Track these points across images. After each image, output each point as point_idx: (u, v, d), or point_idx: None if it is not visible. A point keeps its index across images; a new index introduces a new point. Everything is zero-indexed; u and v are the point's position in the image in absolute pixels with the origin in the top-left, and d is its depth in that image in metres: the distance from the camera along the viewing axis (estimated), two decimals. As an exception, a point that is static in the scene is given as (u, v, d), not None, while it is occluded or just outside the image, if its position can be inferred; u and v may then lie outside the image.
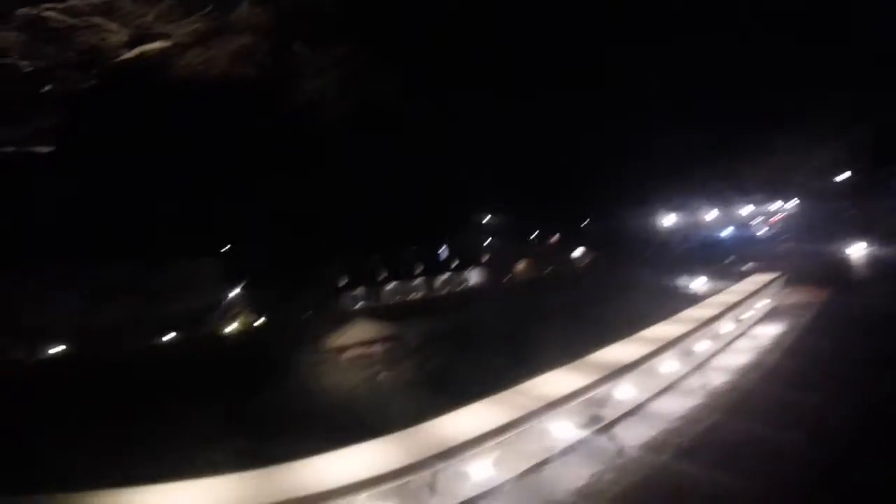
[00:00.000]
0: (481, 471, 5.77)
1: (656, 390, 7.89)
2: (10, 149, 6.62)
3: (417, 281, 57.41)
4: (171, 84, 8.53)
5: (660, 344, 8.27)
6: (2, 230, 35.57)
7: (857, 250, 27.55)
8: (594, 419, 7.08)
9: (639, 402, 7.57)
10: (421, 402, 16.81)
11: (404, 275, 56.56)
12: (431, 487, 5.50)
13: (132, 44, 7.27)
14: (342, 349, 23.96)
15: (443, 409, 7.02)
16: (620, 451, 6.59)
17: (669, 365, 8.48)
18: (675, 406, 7.72)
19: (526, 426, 6.06)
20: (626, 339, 9.12)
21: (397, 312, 38.74)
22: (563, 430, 6.58)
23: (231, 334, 40.19)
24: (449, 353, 24.08)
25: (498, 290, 47.98)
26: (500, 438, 5.86)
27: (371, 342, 24.58)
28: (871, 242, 27.51)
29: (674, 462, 6.23)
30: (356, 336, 25.02)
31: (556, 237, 63.10)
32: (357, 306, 50.39)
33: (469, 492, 5.63)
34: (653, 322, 9.91)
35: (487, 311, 34.35)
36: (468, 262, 59.74)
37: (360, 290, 54.71)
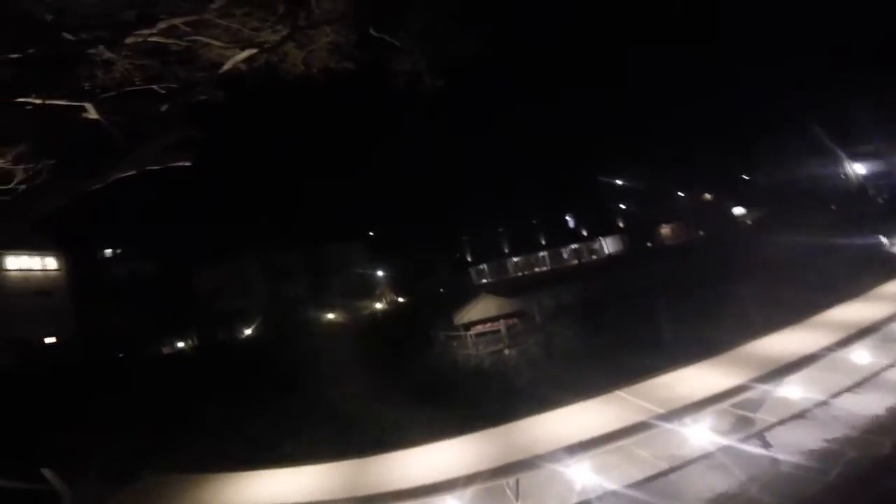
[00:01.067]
0: (580, 477, 4.96)
1: (837, 389, 5.88)
2: (156, 166, 7.58)
3: (543, 253, 55.63)
4: (285, 85, 8.99)
5: (849, 330, 6.10)
6: (182, 234, 44.95)
7: None
8: (743, 424, 5.56)
9: (810, 403, 5.73)
10: (539, 384, 16.18)
11: (529, 248, 55.25)
12: (515, 492, 4.94)
13: (238, 54, 7.71)
14: (469, 325, 24.44)
15: (558, 397, 6.25)
16: (773, 462, 5.09)
17: (860, 356, 6.23)
18: (863, 409, 5.69)
19: (646, 432, 5.01)
20: (800, 325, 6.98)
21: (522, 286, 38.04)
22: (698, 436, 5.30)
23: (379, 311, 43.90)
24: (574, 332, 22.70)
25: (634, 259, 43.37)
26: (612, 445, 4.96)
27: (496, 318, 24.59)
28: None
29: (841, 481, 4.57)
30: (482, 312, 25.22)
31: (707, 195, 54.33)
32: (483, 281, 51.20)
33: (562, 499, 4.90)
34: (839, 300, 7.40)
35: (619, 283, 31.33)
36: (599, 229, 55.54)
37: (485, 266, 55.31)
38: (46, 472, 5.08)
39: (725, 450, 5.19)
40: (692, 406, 5.12)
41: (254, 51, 7.68)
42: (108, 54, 6.84)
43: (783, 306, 10.30)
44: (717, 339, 7.57)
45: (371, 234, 54.11)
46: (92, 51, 6.72)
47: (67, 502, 5.07)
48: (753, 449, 5.23)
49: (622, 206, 55.34)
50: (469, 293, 33.29)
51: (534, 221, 55.20)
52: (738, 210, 51.61)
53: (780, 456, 5.11)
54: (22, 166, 6.46)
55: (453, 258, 53.63)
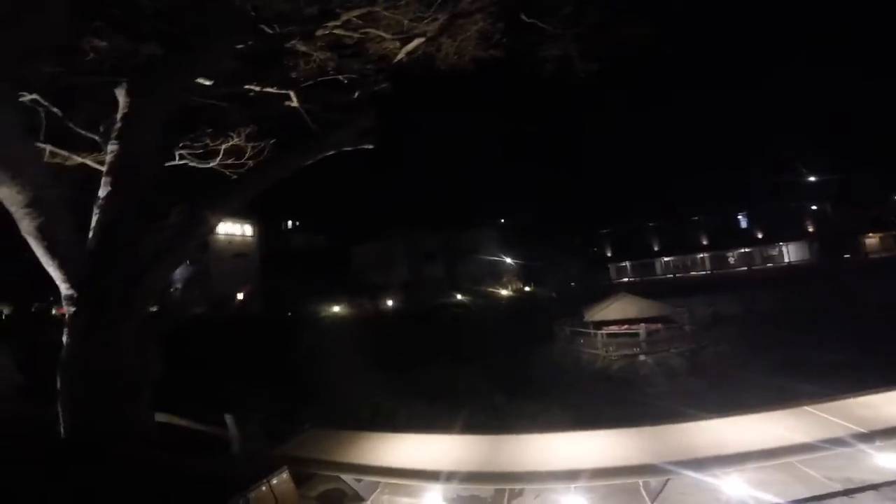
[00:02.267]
0: (733, 489, 4.51)
1: None
2: (348, 148, 8.84)
3: (703, 255, 49.07)
4: (441, 76, 9.69)
5: None
6: (352, 215, 50.71)
7: None
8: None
9: None
10: (671, 399, 14.52)
11: (685, 247, 49.28)
12: (653, 494, 4.66)
13: (401, 47, 8.54)
14: (601, 324, 23.06)
15: (689, 417, 5.77)
16: None
17: None
18: None
19: (824, 451, 4.34)
20: None
21: (671, 289, 34.20)
22: (887, 461, 4.43)
23: (504, 297, 44.22)
24: (729, 349, 19.74)
25: (828, 271, 35.42)
26: (777, 460, 4.41)
27: (635, 321, 22.70)
28: None
29: None
30: (618, 312, 23.52)
31: None
32: (623, 280, 47.97)
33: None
34: None
35: (798, 297, 26.09)
36: (781, 233, 46.72)
37: (627, 263, 51.21)
38: (228, 417, 5.78)
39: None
40: (889, 430, 4.25)
41: (420, 41, 8.35)
42: (302, 47, 8.19)
43: None
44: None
45: (503, 220, 54.58)
46: (289, 44, 8.13)
47: (237, 447, 5.69)
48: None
49: (814, 207, 45.51)
50: (605, 290, 31.35)
51: (695, 217, 48.95)
52: None
53: None
54: (251, 144, 8.21)
55: (590, 251, 50.94)
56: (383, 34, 8.13)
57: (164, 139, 7.63)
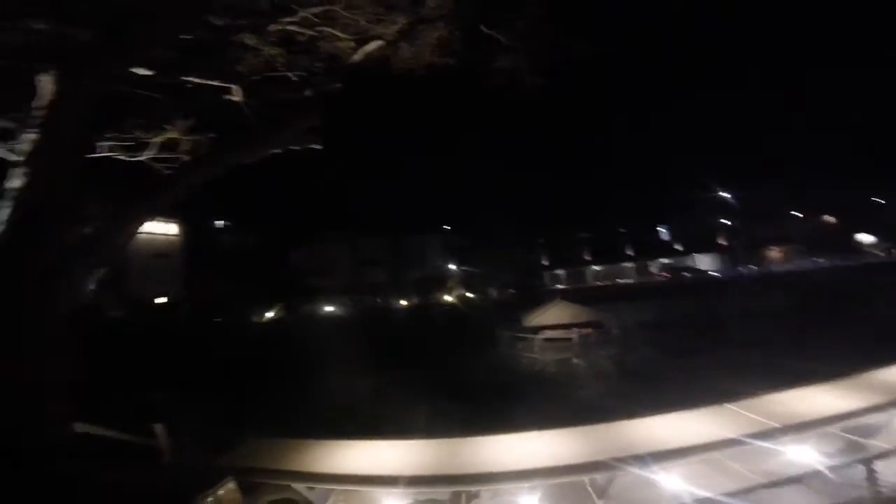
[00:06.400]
0: (670, 484, 4.87)
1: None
2: (294, 147, 8.50)
3: (628, 264, 52.75)
4: (394, 79, 9.61)
5: None
6: (292, 216, 48.84)
7: None
8: (852, 448, 5.17)
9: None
10: (602, 400, 15.54)
11: (613, 257, 52.69)
12: (601, 491, 4.93)
13: (357, 47, 8.37)
14: (539, 329, 24.02)
15: (637, 410, 6.15)
16: (876, 491, 4.68)
17: None
18: None
19: (745, 445, 4.82)
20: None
21: (600, 296, 36.47)
22: (801, 455, 5.02)
23: (448, 304, 44.66)
24: (655, 349, 21.41)
25: (733, 281, 39.56)
26: (707, 454, 4.84)
27: (569, 325, 23.91)
28: None
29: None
30: (554, 317, 24.63)
31: (831, 219, 48.14)
32: (558, 287, 49.95)
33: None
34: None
35: (712, 304, 28.95)
36: (696, 245, 51.42)
37: (561, 271, 53.77)
38: (157, 427, 5.41)
39: (827, 472, 4.86)
40: (798, 425, 4.84)
41: (380, 43, 8.24)
42: (251, 41, 7.81)
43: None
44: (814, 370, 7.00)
45: (447, 227, 55.19)
46: (237, 37, 7.71)
47: (170, 458, 5.36)
48: (858, 475, 4.85)
49: (726, 222, 50.51)
50: (542, 297, 32.68)
51: (622, 230, 52.59)
52: (866, 238, 45.39)
53: (886, 485, 4.68)
54: (186, 138, 7.64)
55: (529, 259, 52.88)
56: (339, 34, 7.95)
57: (89, 129, 6.93)
